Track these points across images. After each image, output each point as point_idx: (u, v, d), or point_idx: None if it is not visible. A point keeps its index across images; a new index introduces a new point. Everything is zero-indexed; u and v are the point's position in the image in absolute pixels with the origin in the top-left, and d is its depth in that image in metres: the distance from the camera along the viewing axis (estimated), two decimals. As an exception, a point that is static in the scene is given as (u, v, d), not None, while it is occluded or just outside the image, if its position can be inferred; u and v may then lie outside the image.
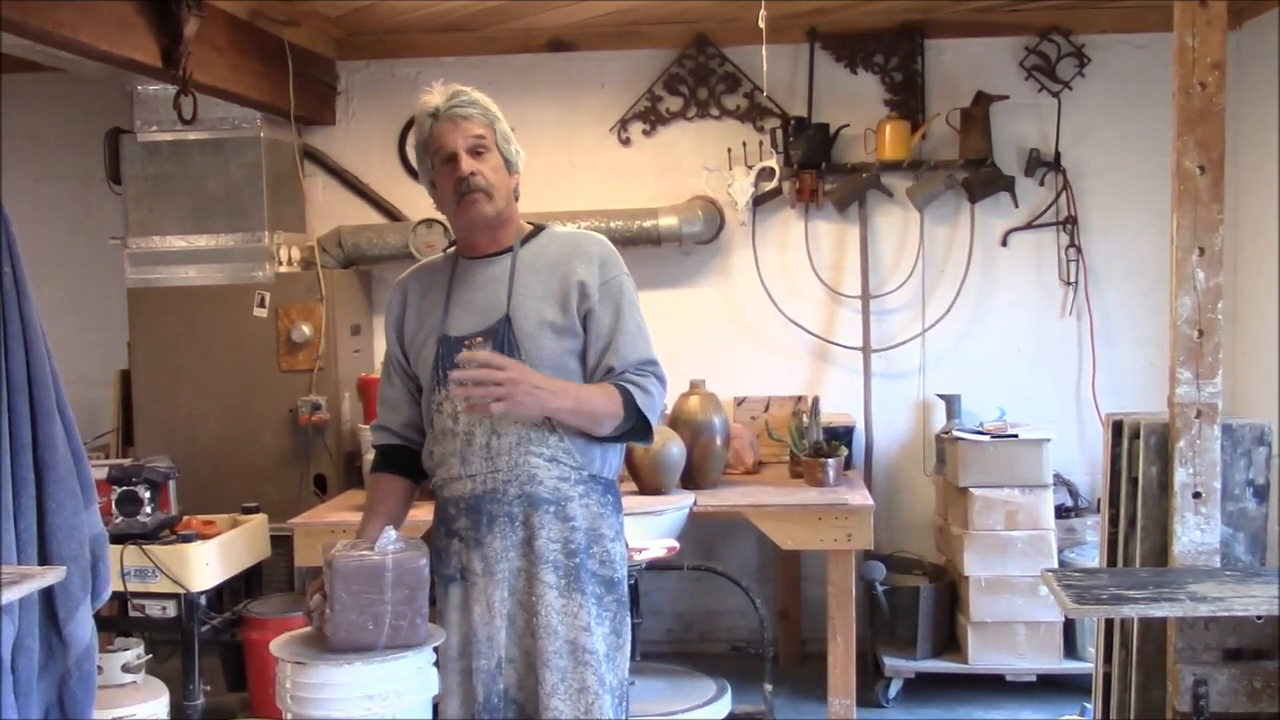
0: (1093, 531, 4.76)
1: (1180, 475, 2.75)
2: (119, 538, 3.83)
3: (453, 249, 2.76)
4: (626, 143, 5.30)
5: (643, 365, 2.63)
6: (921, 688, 4.73)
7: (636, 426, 2.60)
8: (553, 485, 2.58)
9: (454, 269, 2.69)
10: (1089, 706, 3.46)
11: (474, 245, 2.67)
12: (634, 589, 3.85)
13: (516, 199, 2.68)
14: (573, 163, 5.31)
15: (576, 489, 2.60)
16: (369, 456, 3.71)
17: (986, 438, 4.62)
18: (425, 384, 2.67)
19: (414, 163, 2.71)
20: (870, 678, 4.73)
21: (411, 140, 2.74)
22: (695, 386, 4.67)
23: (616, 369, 2.60)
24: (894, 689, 4.70)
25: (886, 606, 4.76)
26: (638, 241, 5.08)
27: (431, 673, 2.51)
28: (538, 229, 2.71)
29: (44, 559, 3.01)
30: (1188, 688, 2.61)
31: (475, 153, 2.57)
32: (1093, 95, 5.13)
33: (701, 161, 5.18)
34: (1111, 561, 3.00)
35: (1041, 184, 5.17)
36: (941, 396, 5.07)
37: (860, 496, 4.30)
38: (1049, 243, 5.20)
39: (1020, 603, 4.55)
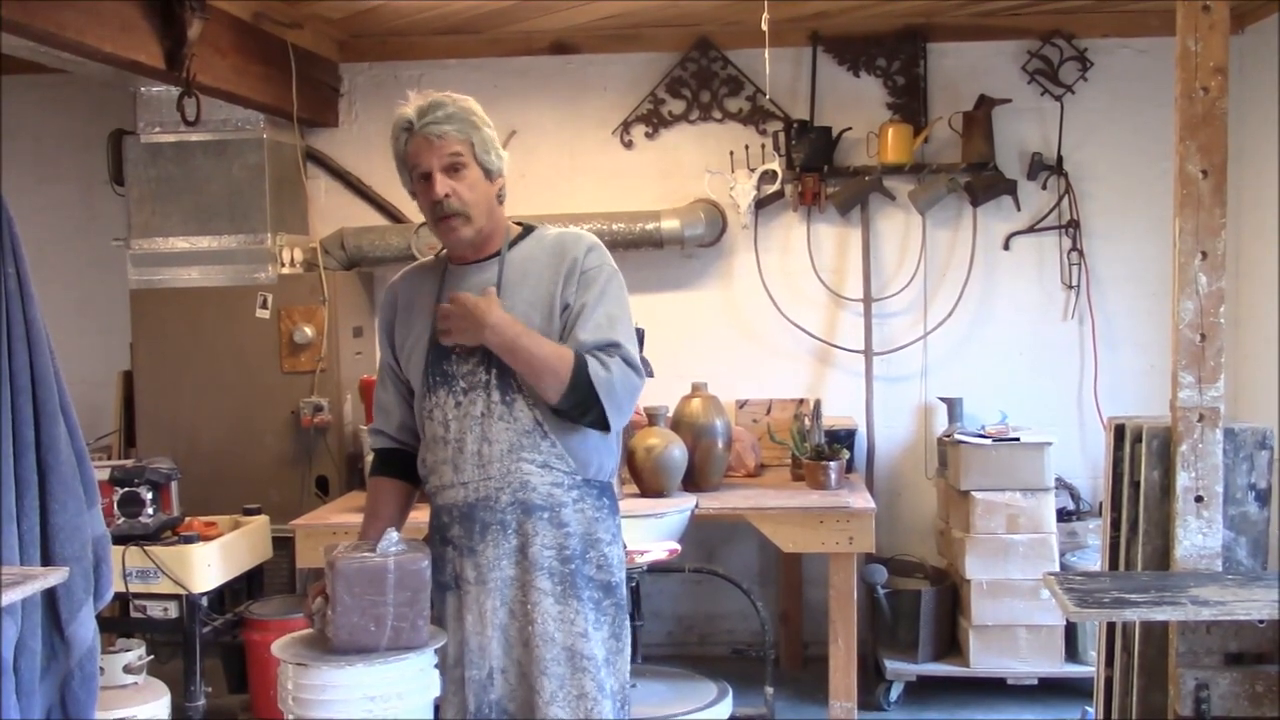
0: (1094, 535, 4.76)
1: (1182, 479, 2.74)
2: (121, 539, 3.84)
3: (443, 251, 2.73)
4: (629, 145, 5.30)
5: (605, 346, 2.53)
6: (923, 691, 4.72)
7: (587, 403, 2.50)
8: (546, 491, 2.56)
9: (443, 274, 2.67)
10: (1090, 710, 3.46)
11: (460, 256, 2.66)
12: (635, 591, 3.86)
13: (501, 202, 2.64)
14: (575, 165, 5.32)
15: (570, 494, 2.58)
16: (371, 458, 3.72)
17: (988, 441, 4.62)
18: (416, 390, 2.66)
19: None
20: (871, 681, 4.73)
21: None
22: (697, 389, 4.68)
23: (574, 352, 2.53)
24: (895, 692, 4.70)
25: (888, 609, 4.76)
26: (640, 244, 5.08)
27: (433, 674, 2.51)
28: (526, 230, 2.68)
29: (47, 560, 3.02)
30: (1189, 692, 2.61)
31: (452, 169, 2.53)
32: (1095, 99, 5.13)
33: (704, 164, 5.19)
34: (1113, 565, 3.00)
35: (1044, 188, 5.17)
36: (943, 400, 5.07)
37: (862, 499, 4.30)
38: (1051, 246, 5.20)
39: (1022, 606, 4.54)
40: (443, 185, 2.52)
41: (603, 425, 2.56)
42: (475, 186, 2.55)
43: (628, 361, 2.55)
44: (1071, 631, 4.59)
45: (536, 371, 2.50)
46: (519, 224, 2.70)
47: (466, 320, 2.49)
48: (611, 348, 2.54)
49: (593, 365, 2.50)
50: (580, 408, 2.52)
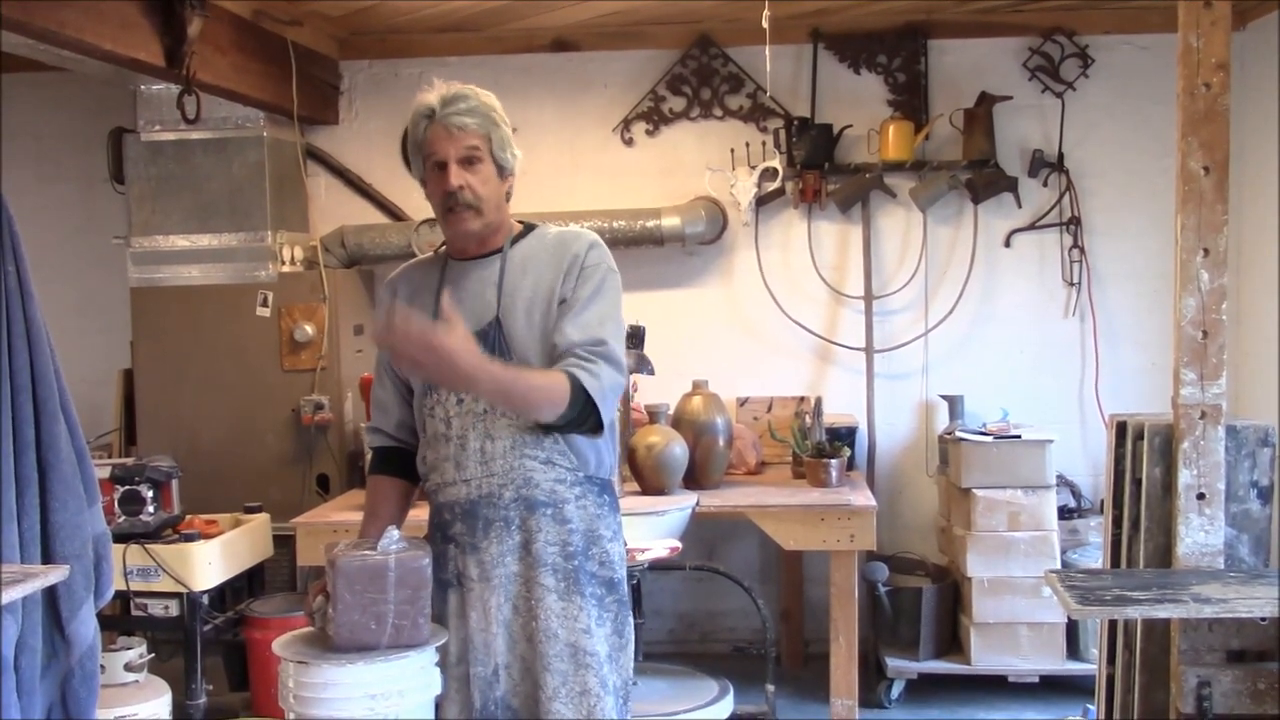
0: (1095, 533, 4.76)
1: (1184, 476, 2.74)
2: (122, 537, 3.83)
3: (443, 248, 2.72)
4: (630, 143, 5.30)
5: (590, 346, 2.50)
6: (924, 689, 4.72)
7: (583, 416, 2.49)
8: (549, 488, 2.56)
9: (444, 270, 2.65)
10: (1092, 708, 3.45)
11: (462, 250, 2.65)
12: (636, 589, 3.85)
13: (508, 200, 2.64)
14: (576, 163, 5.31)
15: (573, 491, 2.58)
16: (370, 457, 3.71)
17: (989, 438, 4.61)
18: (416, 388, 2.64)
19: (408, 155, 2.62)
20: (872, 678, 4.73)
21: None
22: (698, 387, 4.67)
23: (560, 347, 2.51)
24: (896, 690, 4.70)
25: (889, 607, 4.76)
26: (641, 242, 5.08)
27: (434, 672, 2.51)
28: (527, 229, 2.67)
29: (47, 558, 3.02)
30: (1191, 689, 2.61)
31: (468, 162, 2.52)
32: (1096, 96, 5.13)
33: (705, 162, 5.18)
34: (1115, 563, 3.00)
35: (1045, 185, 5.16)
36: (944, 397, 5.07)
37: (863, 497, 4.30)
38: (1052, 244, 5.20)
39: (1023, 604, 4.54)
40: (458, 176, 2.51)
41: (595, 432, 2.55)
42: (488, 182, 2.55)
43: (611, 359, 2.52)
44: (1073, 629, 4.58)
45: (531, 407, 2.47)
46: (520, 222, 2.70)
47: (440, 368, 2.34)
48: (597, 345, 2.51)
49: (586, 380, 2.47)
50: (575, 422, 2.51)
